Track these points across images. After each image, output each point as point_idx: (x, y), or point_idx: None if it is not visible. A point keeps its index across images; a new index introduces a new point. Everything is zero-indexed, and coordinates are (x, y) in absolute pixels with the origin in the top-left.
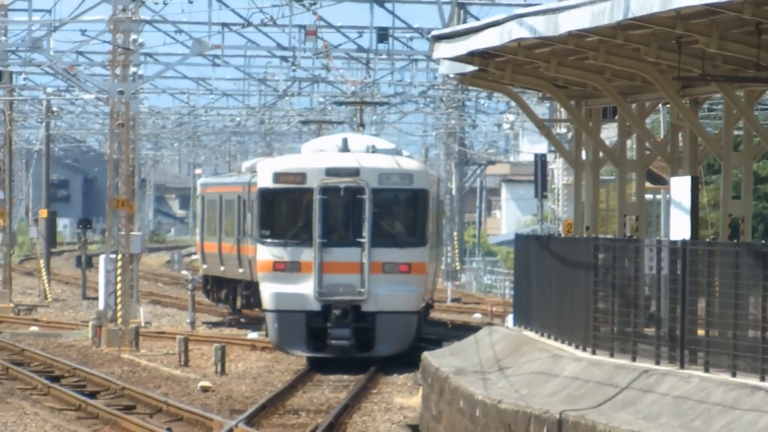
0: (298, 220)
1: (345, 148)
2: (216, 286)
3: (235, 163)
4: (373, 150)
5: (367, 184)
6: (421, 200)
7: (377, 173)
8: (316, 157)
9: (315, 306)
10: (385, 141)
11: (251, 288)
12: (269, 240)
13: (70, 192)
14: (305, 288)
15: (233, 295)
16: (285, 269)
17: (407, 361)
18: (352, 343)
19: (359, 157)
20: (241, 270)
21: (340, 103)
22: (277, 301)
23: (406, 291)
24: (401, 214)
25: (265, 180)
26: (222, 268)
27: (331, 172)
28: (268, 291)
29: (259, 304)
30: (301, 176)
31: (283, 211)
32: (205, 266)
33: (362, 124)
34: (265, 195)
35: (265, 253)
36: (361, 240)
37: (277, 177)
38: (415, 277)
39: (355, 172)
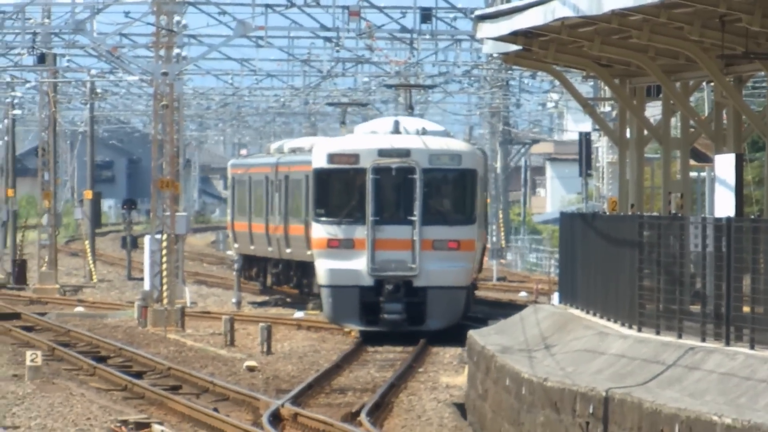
0: (352, 199)
1: (396, 130)
2: (247, 264)
3: (266, 144)
4: (423, 132)
5: (418, 165)
6: (469, 180)
7: (427, 154)
8: (369, 139)
9: (368, 281)
10: (434, 123)
11: (279, 266)
12: (324, 218)
13: (114, 173)
14: (359, 264)
15: (263, 272)
16: (339, 246)
17: (454, 338)
18: (404, 317)
19: (410, 138)
20: (270, 248)
21: (390, 86)
22: (332, 277)
23: (455, 267)
24: (450, 193)
25: (319, 160)
26: (252, 247)
27: (383, 153)
28: (323, 267)
29: (288, 281)
30: (355, 157)
31: (337, 191)
32: (236, 245)
33: (411, 107)
34: (320, 175)
35: (320, 231)
36: (412, 218)
37: (332, 158)
38: (463, 254)
39: (406, 153)
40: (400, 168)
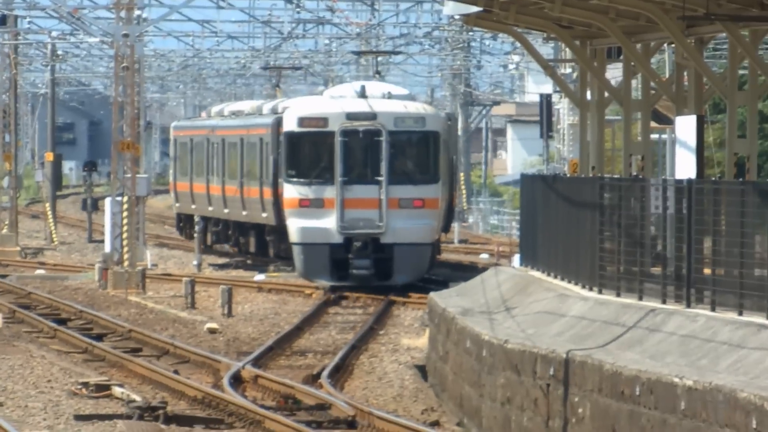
0: (321, 161)
1: (363, 94)
2: (188, 223)
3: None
4: (389, 96)
5: (384, 127)
6: (433, 141)
7: (393, 117)
8: (337, 103)
9: (338, 239)
10: (399, 87)
11: (219, 225)
12: (295, 179)
13: (75, 135)
14: (328, 222)
15: (204, 231)
16: (310, 205)
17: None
18: (372, 273)
19: (376, 102)
20: (210, 208)
21: (356, 53)
22: (303, 235)
23: (420, 224)
24: (415, 154)
25: (290, 124)
26: (193, 206)
27: (350, 116)
28: (295, 225)
29: (227, 239)
30: (324, 120)
31: (307, 153)
32: (177, 204)
33: (378, 72)
34: (291, 138)
35: (292, 191)
36: (379, 178)
37: (302, 121)
38: (428, 212)
39: (372, 116)
40: (367, 130)
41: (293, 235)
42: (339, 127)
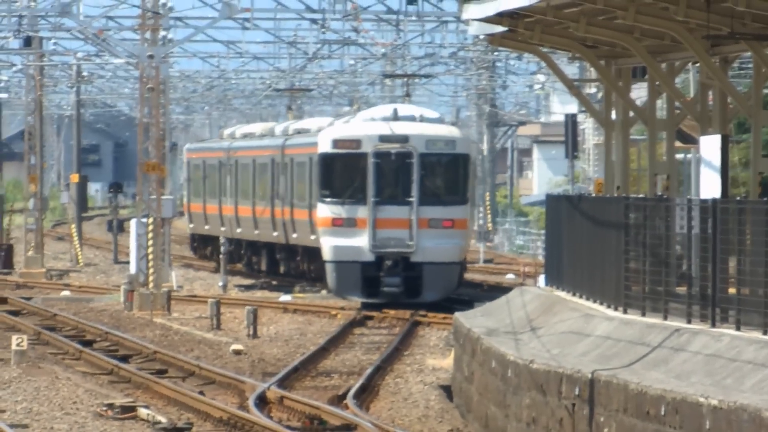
0: (354, 181)
1: (395, 116)
2: (201, 243)
3: (221, 130)
4: (420, 119)
5: (415, 149)
6: (462, 163)
7: (424, 139)
8: (370, 125)
9: (369, 257)
10: (430, 110)
11: (232, 244)
12: (328, 199)
13: (101, 157)
14: (360, 241)
15: (217, 251)
16: (343, 225)
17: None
18: (402, 290)
19: (408, 125)
20: (222, 228)
21: (387, 76)
22: (336, 253)
23: (449, 244)
24: (445, 176)
25: (324, 145)
26: (207, 227)
27: (383, 138)
28: (328, 244)
29: (239, 259)
30: (357, 142)
31: (340, 173)
32: (191, 225)
33: (408, 95)
34: (325, 159)
35: (325, 211)
36: (410, 199)
37: (336, 143)
38: (457, 232)
39: (404, 139)
40: (399, 152)
41: (326, 254)
42: (372, 149)
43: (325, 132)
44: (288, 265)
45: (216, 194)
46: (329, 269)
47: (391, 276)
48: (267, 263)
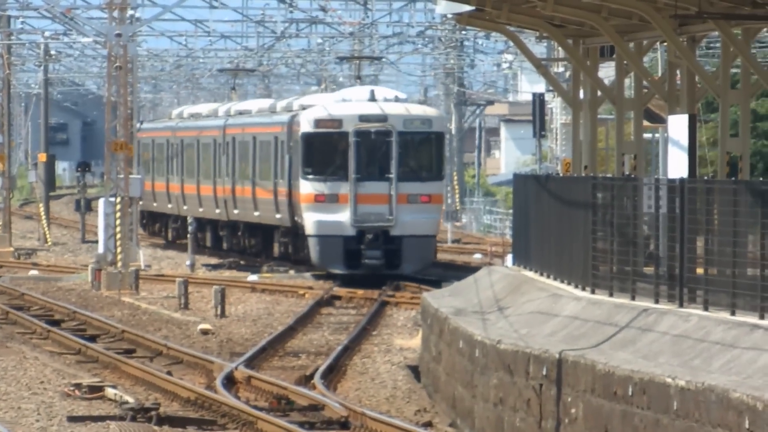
0: (336, 159)
1: (372, 98)
2: (151, 219)
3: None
4: (396, 99)
5: (394, 128)
6: (438, 141)
7: (402, 119)
8: (350, 106)
9: (351, 231)
10: (402, 93)
11: (179, 221)
12: (311, 176)
13: (69, 135)
14: (342, 216)
15: (165, 227)
16: (325, 201)
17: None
18: (382, 262)
19: (386, 105)
20: (170, 205)
21: (342, 58)
22: (319, 228)
23: (427, 218)
24: (422, 153)
25: (306, 125)
26: (155, 204)
27: (363, 118)
28: (311, 219)
29: (186, 235)
30: (338, 122)
31: (322, 152)
32: (141, 202)
33: (359, 77)
34: (308, 138)
35: (308, 187)
36: (389, 175)
37: (318, 123)
38: (434, 206)
39: (383, 118)
40: (379, 131)
41: (309, 228)
42: (353, 128)
43: (306, 112)
44: (230, 240)
45: (164, 172)
46: (312, 243)
47: (372, 249)
48: (211, 239)
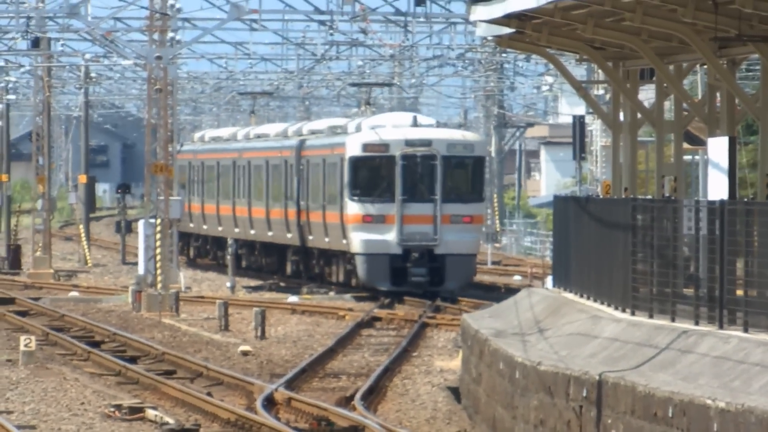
0: (383, 182)
1: (415, 123)
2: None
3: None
4: (437, 125)
5: (438, 152)
6: (480, 165)
7: (446, 143)
8: (396, 131)
9: (397, 250)
10: (427, 117)
11: (200, 240)
12: (358, 198)
13: (109, 158)
14: (389, 236)
15: (187, 246)
16: (372, 221)
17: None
18: (427, 279)
19: (430, 130)
20: (191, 224)
21: (353, 85)
22: (366, 246)
23: (468, 237)
24: (464, 176)
25: (354, 149)
26: (191, 225)
27: (409, 143)
28: (359, 238)
29: (206, 254)
30: (385, 146)
31: (369, 174)
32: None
33: (369, 103)
34: (356, 161)
35: (355, 208)
36: (434, 197)
37: (365, 147)
38: (475, 227)
39: (428, 143)
40: (424, 155)
41: (356, 247)
42: (399, 152)
43: (354, 136)
44: (248, 259)
45: (191, 194)
46: (359, 261)
47: (418, 267)
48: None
